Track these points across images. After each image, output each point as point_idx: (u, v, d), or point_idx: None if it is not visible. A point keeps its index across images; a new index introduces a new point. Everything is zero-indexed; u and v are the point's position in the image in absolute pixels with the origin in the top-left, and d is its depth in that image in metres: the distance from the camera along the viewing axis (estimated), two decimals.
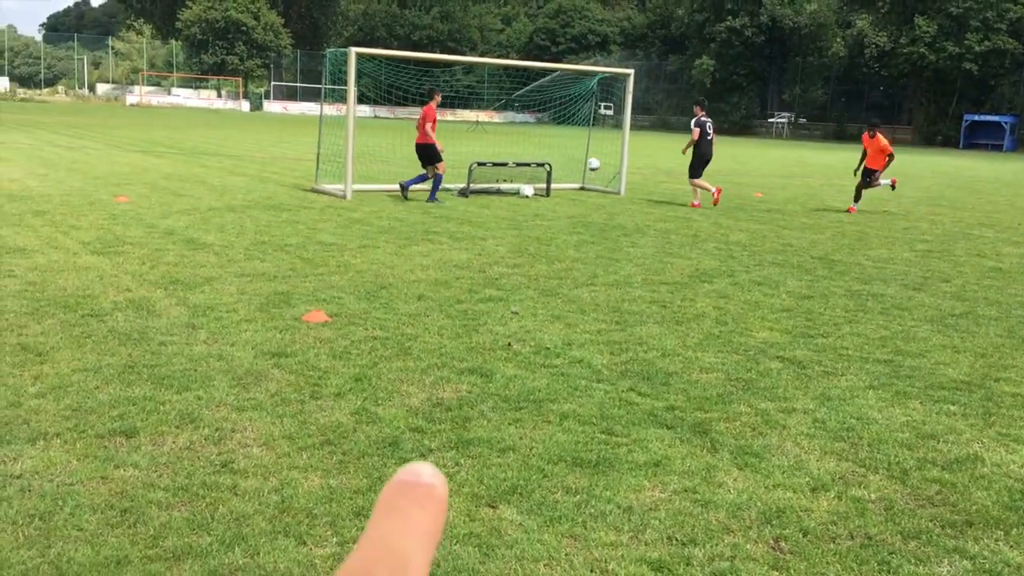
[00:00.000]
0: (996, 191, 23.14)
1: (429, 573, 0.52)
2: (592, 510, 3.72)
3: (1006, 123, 59.88)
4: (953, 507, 3.90)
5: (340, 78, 15.94)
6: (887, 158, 15.95)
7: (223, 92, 78.28)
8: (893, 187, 16.80)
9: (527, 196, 16.27)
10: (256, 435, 4.36)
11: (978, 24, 60.00)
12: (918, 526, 3.69)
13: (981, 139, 60.58)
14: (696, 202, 16.00)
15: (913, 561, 3.40)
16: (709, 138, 16.07)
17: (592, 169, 18.77)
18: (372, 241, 10.44)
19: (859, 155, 16.78)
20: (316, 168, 16.26)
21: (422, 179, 15.06)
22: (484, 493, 3.83)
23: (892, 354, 6.38)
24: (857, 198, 16.25)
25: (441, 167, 14.87)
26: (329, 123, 17.02)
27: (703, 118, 16.03)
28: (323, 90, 17.60)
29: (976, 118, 60.85)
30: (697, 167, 16.00)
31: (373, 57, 21.59)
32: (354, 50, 14.71)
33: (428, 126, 14.73)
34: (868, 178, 16.14)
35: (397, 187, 15.42)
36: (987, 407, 5.26)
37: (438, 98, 15.00)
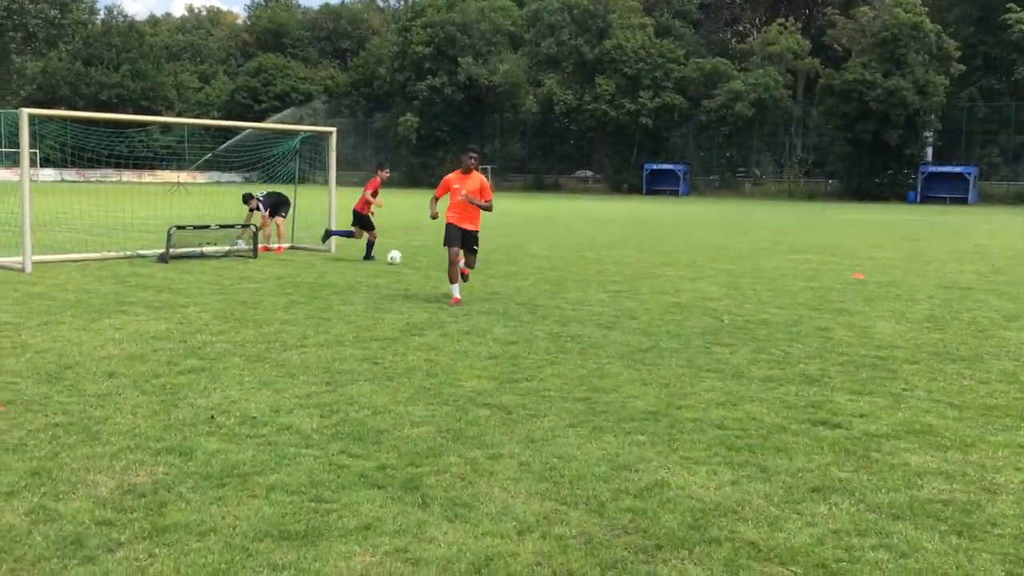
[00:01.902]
0: (675, 232, 25.58)
1: None
2: None
3: (679, 171, 66.62)
4: (645, 533, 4.17)
5: (14, 141, 14.60)
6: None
7: None
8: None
9: (395, 261, 15.70)
10: None
11: (649, 82, 66.52)
12: (615, 556, 3.92)
13: (661, 185, 66.91)
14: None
15: None
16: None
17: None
18: (56, 317, 9.56)
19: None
20: None
21: (349, 234, 16.96)
22: None
23: (589, 391, 6.78)
24: None
25: (373, 234, 16.81)
26: (4, 189, 15.49)
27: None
28: None
29: (655, 166, 67.21)
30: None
31: (52, 118, 20.02)
32: (26, 111, 13.55)
33: (369, 194, 16.35)
34: None
35: (132, 254, 15.65)
36: (671, 434, 5.73)
37: (384, 173, 16.99)
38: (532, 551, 3.94)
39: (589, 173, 77.47)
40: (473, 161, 11.27)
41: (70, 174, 57.29)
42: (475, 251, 11.44)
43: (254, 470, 4.90)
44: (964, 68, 58.97)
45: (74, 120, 22.37)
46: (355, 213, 16.76)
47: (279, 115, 77.31)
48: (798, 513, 4.45)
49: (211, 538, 4.01)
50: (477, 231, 11.39)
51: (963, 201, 56.05)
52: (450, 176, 11.43)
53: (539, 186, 74.27)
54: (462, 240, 11.17)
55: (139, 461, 5.01)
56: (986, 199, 57.86)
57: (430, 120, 73.18)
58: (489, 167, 73.58)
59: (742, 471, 5.05)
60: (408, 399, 6.47)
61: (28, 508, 4.30)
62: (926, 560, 3.93)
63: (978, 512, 4.50)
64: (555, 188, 73.88)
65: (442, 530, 4.16)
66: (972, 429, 5.97)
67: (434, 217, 11.62)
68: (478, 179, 11.26)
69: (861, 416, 6.23)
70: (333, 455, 5.19)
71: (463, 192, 11.15)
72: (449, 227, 11.21)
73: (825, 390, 6.96)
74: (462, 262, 11.30)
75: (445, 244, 11.17)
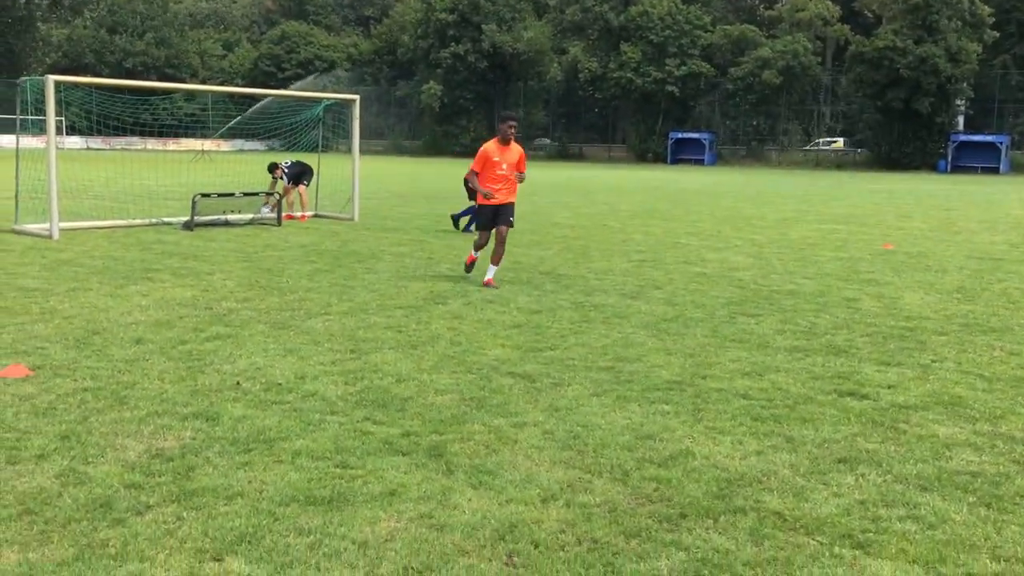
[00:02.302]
0: (700, 202, 25.37)
1: None
2: (326, 549, 3.61)
3: (705, 139, 66.00)
4: (669, 502, 4.16)
5: (41, 108, 14.65)
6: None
7: None
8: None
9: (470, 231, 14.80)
10: None
11: (676, 50, 65.76)
12: (638, 524, 3.91)
13: (686, 154, 66.33)
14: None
15: (635, 559, 3.59)
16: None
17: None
18: (83, 283, 9.64)
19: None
20: (16, 207, 14.81)
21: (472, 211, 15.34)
22: (209, 546, 3.60)
23: (613, 361, 6.76)
24: None
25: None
26: (32, 156, 15.61)
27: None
28: (17, 121, 16.07)
29: (680, 135, 66.60)
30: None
31: (78, 85, 20.07)
32: (52, 78, 13.59)
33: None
34: None
35: (157, 222, 15.96)
36: (696, 404, 5.70)
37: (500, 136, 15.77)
38: (556, 519, 3.95)
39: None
40: (513, 131, 10.13)
41: (96, 142, 57.61)
42: (511, 223, 10.47)
43: (280, 436, 4.94)
44: (997, 35, 57.81)
45: (99, 87, 22.42)
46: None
47: (301, 83, 77.16)
48: (824, 484, 4.42)
49: (238, 502, 4.04)
50: (513, 203, 10.57)
51: (994, 171, 55.17)
52: (488, 147, 10.29)
53: (563, 155, 73.85)
54: (499, 214, 10.28)
55: (167, 426, 5.06)
56: (1018, 169, 56.88)
57: (453, 88, 72.79)
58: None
59: (767, 441, 5.02)
60: (432, 367, 6.48)
61: (58, 471, 4.35)
62: (953, 531, 3.90)
63: (1007, 484, 4.45)
64: (579, 157, 73.44)
65: (466, 497, 4.17)
66: (1002, 401, 5.90)
67: (488, 196, 10.22)
68: (517, 151, 10.28)
69: (889, 387, 6.17)
70: (358, 422, 5.21)
71: (503, 166, 10.13)
72: (483, 208, 10.42)
73: (852, 361, 6.90)
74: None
75: (479, 228, 10.60)
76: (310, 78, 79.15)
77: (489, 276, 10.18)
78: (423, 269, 11.26)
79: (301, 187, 18.25)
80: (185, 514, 3.91)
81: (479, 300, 9.16)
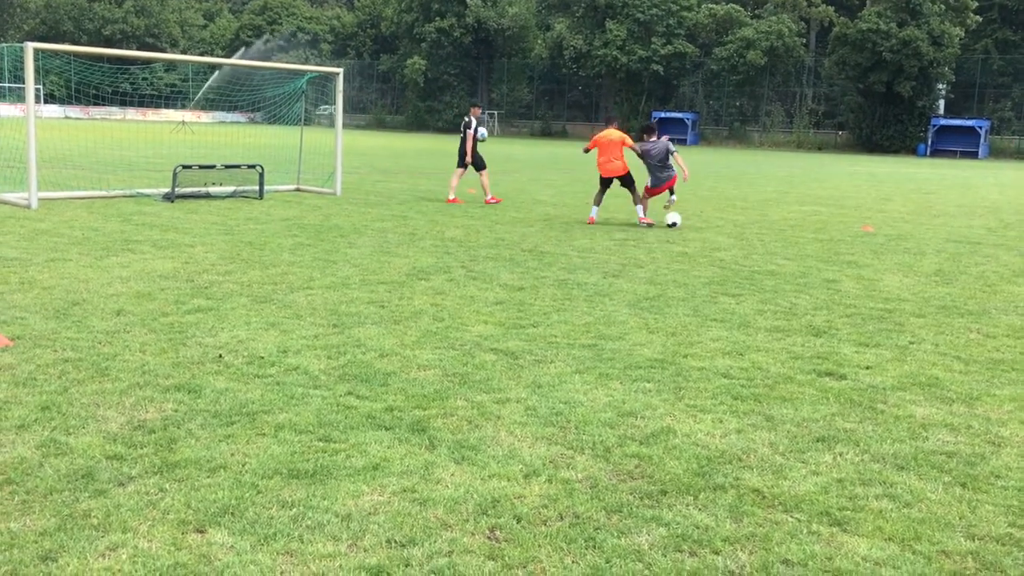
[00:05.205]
0: (681, 182, 25.32)
1: None
2: (309, 522, 3.62)
3: (688, 119, 65.97)
4: (650, 478, 4.20)
5: (18, 76, 14.45)
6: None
7: None
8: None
9: (674, 224, 14.17)
10: None
11: (662, 29, 65.56)
12: (620, 500, 3.95)
13: (669, 134, 65.88)
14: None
15: (616, 534, 3.63)
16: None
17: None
18: (63, 254, 9.55)
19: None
20: None
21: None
22: (192, 518, 3.60)
23: (595, 339, 6.79)
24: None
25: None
26: (9, 124, 15.40)
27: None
28: None
29: (663, 115, 66.48)
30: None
31: (57, 53, 19.79)
32: (31, 45, 13.39)
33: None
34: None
35: (134, 194, 15.42)
36: (677, 382, 5.74)
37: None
38: (538, 494, 3.98)
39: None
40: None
41: (74, 111, 56.91)
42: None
43: (262, 409, 4.93)
44: (980, 19, 58.02)
45: (78, 55, 22.10)
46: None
47: (249, 50, 76.67)
48: (803, 462, 4.48)
49: (221, 474, 4.04)
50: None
51: (973, 155, 55.54)
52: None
53: (547, 132, 73.65)
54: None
55: (148, 398, 5.04)
56: (997, 153, 57.28)
57: (438, 63, 72.34)
58: (495, 112, 73.03)
59: (747, 420, 5.07)
60: (415, 342, 6.48)
61: (39, 441, 4.33)
62: (929, 510, 3.96)
63: (982, 464, 4.52)
64: (563, 135, 73.28)
65: (449, 472, 4.19)
66: (978, 382, 5.98)
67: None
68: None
69: (867, 368, 6.24)
70: (341, 396, 5.21)
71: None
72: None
73: (832, 341, 6.96)
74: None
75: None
76: (259, 42, 78.41)
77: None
78: (406, 244, 11.24)
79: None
80: (167, 486, 3.91)
81: (462, 276, 9.16)
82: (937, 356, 6.64)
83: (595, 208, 14.66)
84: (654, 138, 14.64)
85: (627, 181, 14.51)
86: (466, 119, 16.97)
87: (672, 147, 14.52)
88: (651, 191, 14.62)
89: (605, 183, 14.58)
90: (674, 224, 14.09)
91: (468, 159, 16.73)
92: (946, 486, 4.24)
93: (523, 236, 12.45)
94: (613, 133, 14.54)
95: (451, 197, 16.78)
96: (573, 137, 71.74)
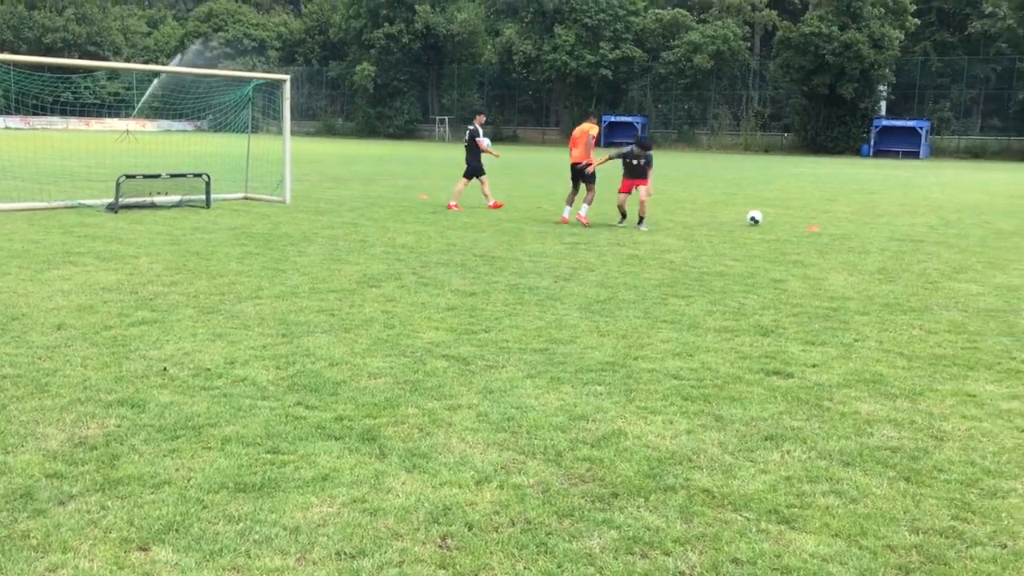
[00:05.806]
0: None
1: None
2: (256, 536, 3.56)
3: (638, 123, 66.45)
4: (601, 482, 4.21)
5: None
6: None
7: None
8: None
9: (756, 221, 15.23)
10: None
11: (610, 34, 66.01)
12: (571, 504, 3.95)
13: (619, 138, 66.45)
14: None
15: (568, 538, 3.62)
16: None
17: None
18: (1, 267, 9.32)
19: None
20: None
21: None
22: (135, 536, 3.53)
23: (547, 343, 6.79)
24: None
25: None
26: None
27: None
28: None
29: (614, 119, 66.90)
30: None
31: None
32: None
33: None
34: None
35: (75, 204, 15.07)
36: (628, 384, 5.77)
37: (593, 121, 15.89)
38: (490, 500, 3.96)
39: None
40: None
41: (14, 121, 55.61)
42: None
43: (209, 422, 4.85)
44: (919, 22, 59.34)
45: (17, 65, 21.61)
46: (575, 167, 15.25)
47: (180, 58, 76.04)
48: (751, 461, 4.52)
49: (165, 490, 3.96)
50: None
51: (915, 155, 56.71)
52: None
53: (497, 137, 73.59)
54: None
55: (90, 414, 4.93)
56: (937, 153, 58.59)
57: (387, 69, 72.01)
58: (447, 118, 72.93)
59: (697, 420, 5.11)
60: (365, 350, 6.43)
61: None
62: (875, 505, 4.02)
63: (925, 458, 4.61)
64: (513, 139, 73.40)
65: (400, 480, 4.16)
66: (920, 378, 6.10)
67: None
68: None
69: (813, 366, 6.33)
70: (289, 407, 5.15)
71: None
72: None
73: (779, 341, 7.05)
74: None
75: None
76: (191, 49, 77.88)
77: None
78: (356, 252, 11.15)
79: None
80: (109, 503, 3.82)
81: (413, 283, 9.11)
82: (881, 353, 6.76)
83: (567, 208, 15.31)
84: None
85: (588, 178, 15.07)
86: (471, 127, 17.33)
87: (626, 149, 15.16)
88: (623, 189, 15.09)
89: (573, 177, 15.34)
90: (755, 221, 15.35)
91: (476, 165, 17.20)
92: (891, 481, 4.31)
93: (474, 241, 12.43)
94: (584, 126, 15.35)
95: (452, 203, 17.15)
96: (524, 142, 71.88)
